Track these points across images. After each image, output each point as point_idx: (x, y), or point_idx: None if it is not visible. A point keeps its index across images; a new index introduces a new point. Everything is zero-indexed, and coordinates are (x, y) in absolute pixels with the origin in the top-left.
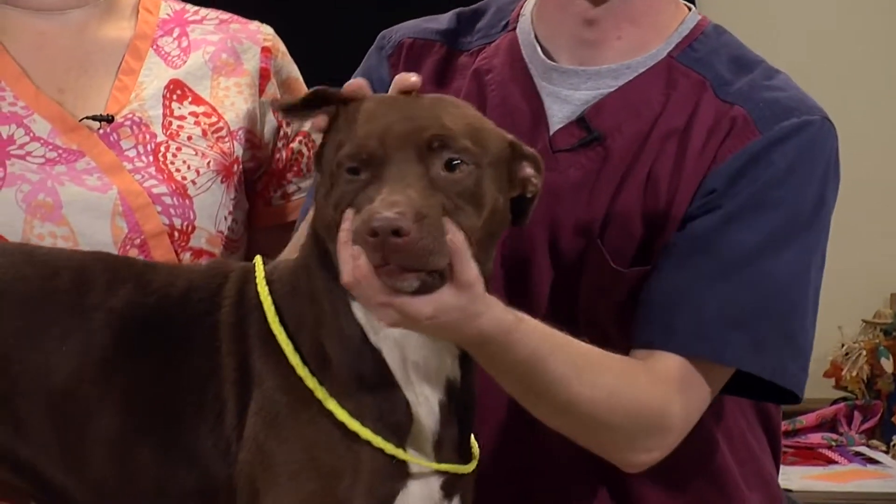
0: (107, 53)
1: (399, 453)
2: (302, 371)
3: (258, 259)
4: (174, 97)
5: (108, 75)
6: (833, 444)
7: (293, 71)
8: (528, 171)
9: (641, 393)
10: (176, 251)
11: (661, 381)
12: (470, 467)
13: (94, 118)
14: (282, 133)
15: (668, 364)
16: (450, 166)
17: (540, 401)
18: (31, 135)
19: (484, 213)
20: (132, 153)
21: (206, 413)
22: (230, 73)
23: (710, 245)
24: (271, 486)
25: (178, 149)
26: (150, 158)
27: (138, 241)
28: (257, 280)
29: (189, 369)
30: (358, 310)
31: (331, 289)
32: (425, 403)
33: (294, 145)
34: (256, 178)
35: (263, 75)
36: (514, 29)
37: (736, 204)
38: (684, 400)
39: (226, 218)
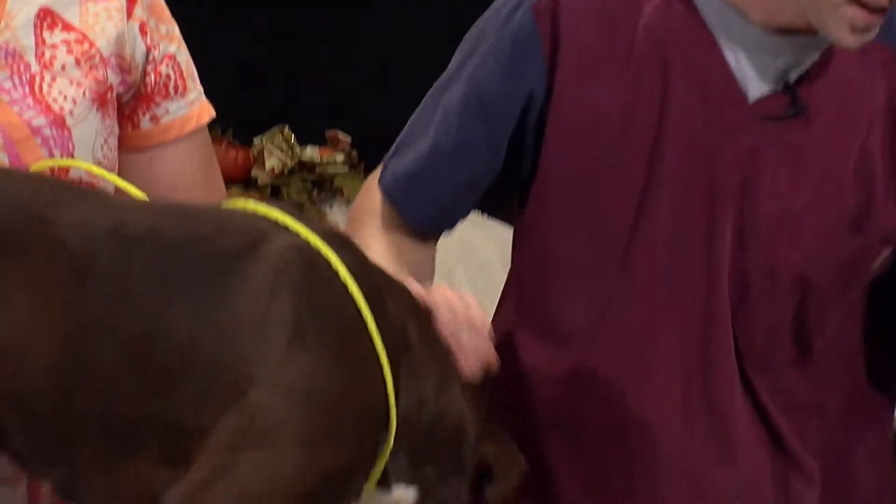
0: None
1: None
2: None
3: (321, 245)
4: (45, 25)
5: None
6: None
7: None
8: None
9: None
10: None
11: None
12: None
13: None
14: (150, 57)
15: None
16: None
17: None
18: None
19: None
20: (8, 84)
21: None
22: None
23: None
24: None
25: (54, 79)
26: (27, 90)
27: None
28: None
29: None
30: None
31: None
32: None
33: (162, 68)
34: (125, 101)
35: None
36: None
37: None
38: None
39: (102, 146)
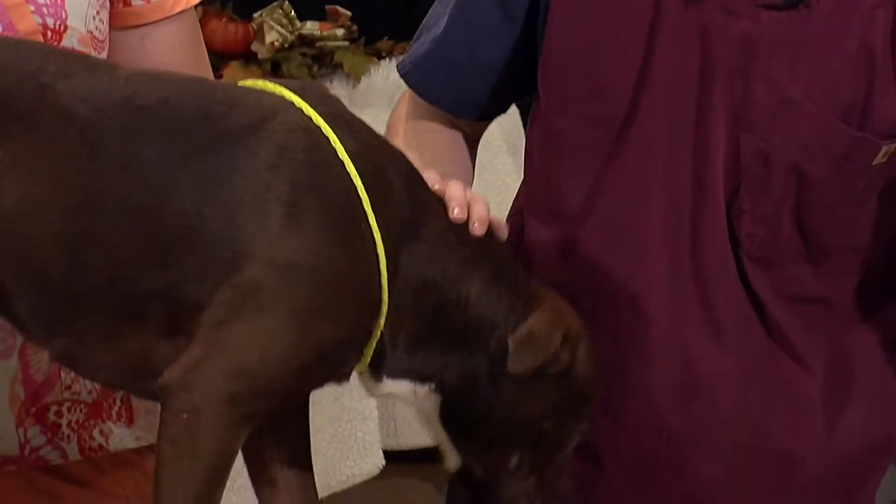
0: None
1: None
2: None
3: (322, 125)
4: None
5: None
6: None
7: None
8: None
9: None
10: None
11: None
12: None
13: None
14: None
15: None
16: None
17: None
18: None
19: None
20: None
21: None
22: None
23: None
24: None
25: None
26: None
27: None
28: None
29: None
30: None
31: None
32: None
33: None
34: None
35: None
36: None
37: None
38: None
39: (94, 17)
